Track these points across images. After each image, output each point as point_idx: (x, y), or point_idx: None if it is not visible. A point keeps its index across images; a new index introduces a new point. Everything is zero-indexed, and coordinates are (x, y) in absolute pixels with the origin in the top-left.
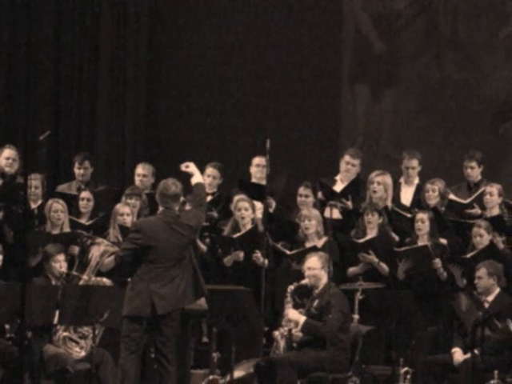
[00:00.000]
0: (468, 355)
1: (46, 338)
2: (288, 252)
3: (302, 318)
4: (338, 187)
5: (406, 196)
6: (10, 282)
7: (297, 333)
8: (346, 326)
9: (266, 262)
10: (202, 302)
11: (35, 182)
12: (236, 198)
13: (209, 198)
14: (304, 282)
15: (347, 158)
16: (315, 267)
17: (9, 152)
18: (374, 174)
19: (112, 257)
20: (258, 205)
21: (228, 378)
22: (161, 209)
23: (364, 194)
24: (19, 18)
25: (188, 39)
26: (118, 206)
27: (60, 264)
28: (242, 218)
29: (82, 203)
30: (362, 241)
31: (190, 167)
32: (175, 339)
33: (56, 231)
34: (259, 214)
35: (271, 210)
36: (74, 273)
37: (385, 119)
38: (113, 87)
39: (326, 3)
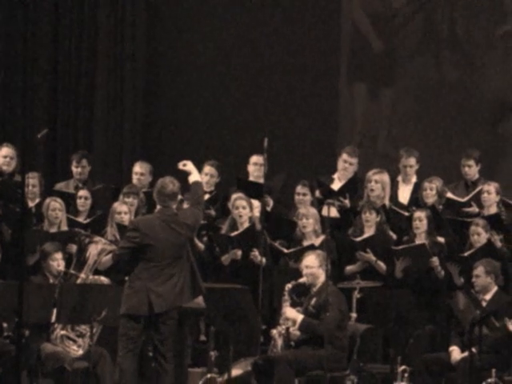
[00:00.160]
0: (466, 354)
1: (44, 336)
2: (286, 250)
3: (300, 317)
4: (336, 185)
5: (404, 194)
6: (7, 281)
7: (294, 331)
8: (344, 325)
9: (264, 260)
10: (200, 300)
11: (33, 180)
12: (234, 196)
13: (206, 197)
14: (302, 280)
15: (345, 156)
16: (313, 265)
17: (6, 150)
18: (371, 173)
19: (110, 255)
20: (256, 203)
21: (226, 376)
22: (158, 207)
23: (362, 193)
24: (16, 16)
25: (186, 37)
26: (115, 205)
27: (58, 262)
28: (240, 216)
29: (79, 201)
30: (359, 239)
31: (188, 165)
32: (173, 337)
33: (54, 230)
34: (257, 213)
35: (269, 209)
36: (72, 271)
37: (383, 118)
38: (110, 85)
39: (324, 2)
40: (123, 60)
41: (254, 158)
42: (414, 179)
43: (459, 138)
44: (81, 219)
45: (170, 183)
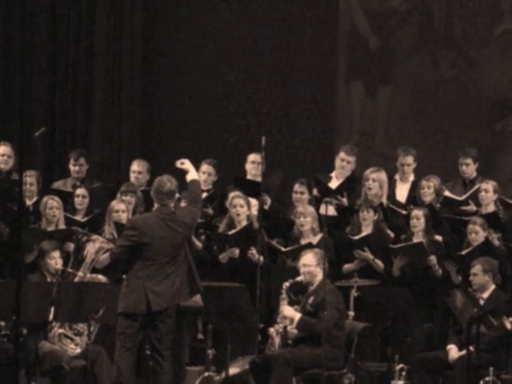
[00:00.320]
0: (463, 352)
1: (42, 334)
2: (283, 249)
3: (298, 315)
4: (334, 184)
5: (401, 193)
6: (5, 279)
7: (292, 330)
8: (342, 323)
9: (262, 258)
10: (198, 298)
11: (30, 178)
12: (231, 194)
13: (204, 195)
14: (299, 278)
15: (342, 154)
16: (310, 264)
17: (4, 149)
18: (369, 171)
19: (107, 254)
20: (254, 202)
21: (223, 374)
22: (156, 206)
23: (359, 191)
24: (14, 16)
25: (183, 35)
26: (113, 203)
27: (55, 261)
28: (237, 214)
29: (77, 200)
30: (357, 238)
31: (185, 164)
32: (170, 336)
33: (51, 228)
34: (254, 211)
35: (266, 207)
36: (70, 270)
37: (380, 116)
38: (108, 84)
39: (322, 1)
40: (121, 59)
41: (252, 157)
42: (411, 178)
43: (457, 137)
44: (78, 217)
45: (167, 181)
